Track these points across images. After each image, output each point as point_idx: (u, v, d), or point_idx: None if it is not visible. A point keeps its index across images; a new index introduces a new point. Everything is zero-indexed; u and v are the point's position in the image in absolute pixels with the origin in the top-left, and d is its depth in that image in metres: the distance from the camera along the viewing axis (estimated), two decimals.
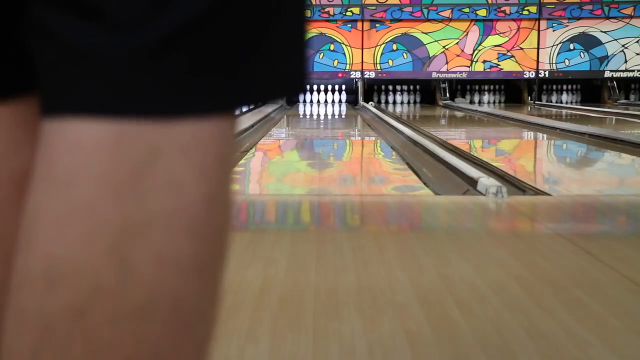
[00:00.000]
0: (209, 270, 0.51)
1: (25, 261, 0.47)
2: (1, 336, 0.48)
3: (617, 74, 13.84)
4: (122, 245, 0.46)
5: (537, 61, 13.81)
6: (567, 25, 13.78)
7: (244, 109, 12.63)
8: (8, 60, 0.54)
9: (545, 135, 7.78)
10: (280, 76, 0.53)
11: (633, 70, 13.83)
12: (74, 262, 0.46)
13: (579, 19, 13.73)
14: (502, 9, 13.69)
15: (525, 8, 13.68)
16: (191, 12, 0.46)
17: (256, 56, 0.50)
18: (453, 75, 13.93)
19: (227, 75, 0.49)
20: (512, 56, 13.84)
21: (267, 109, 11.49)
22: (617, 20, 13.70)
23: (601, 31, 13.75)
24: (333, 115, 12.15)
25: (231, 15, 0.48)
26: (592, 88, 14.28)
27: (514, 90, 14.41)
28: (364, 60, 13.86)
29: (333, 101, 14.29)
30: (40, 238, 0.46)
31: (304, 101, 14.30)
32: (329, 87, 14.39)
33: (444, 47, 13.85)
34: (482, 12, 13.71)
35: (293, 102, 14.15)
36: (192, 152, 0.48)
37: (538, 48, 13.80)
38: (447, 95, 13.92)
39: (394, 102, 14.29)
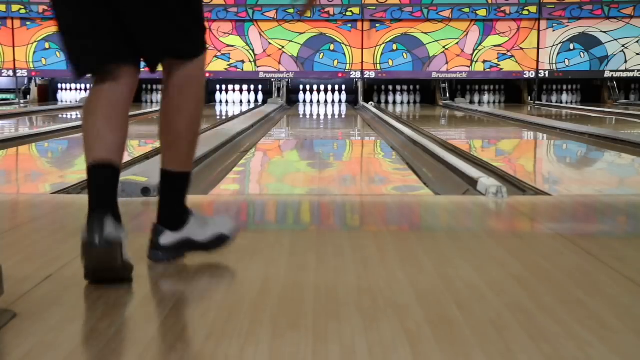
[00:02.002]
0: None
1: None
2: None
3: (617, 74, 13.84)
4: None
5: (537, 61, 13.81)
6: (567, 25, 13.77)
7: (244, 109, 12.59)
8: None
9: (545, 135, 7.78)
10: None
11: (633, 70, 13.83)
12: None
13: (579, 19, 13.73)
14: (502, 9, 13.69)
15: (525, 8, 13.68)
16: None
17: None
18: (453, 75, 13.92)
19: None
20: (512, 56, 13.83)
21: (267, 109, 11.48)
22: (617, 20, 13.70)
23: (601, 31, 13.74)
24: (333, 115, 12.15)
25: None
26: (592, 88, 14.28)
27: (514, 90, 14.41)
28: (364, 60, 13.85)
29: (333, 101, 14.30)
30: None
31: (304, 101, 14.31)
32: (329, 87, 14.40)
33: (444, 47, 13.85)
34: (482, 12, 13.71)
35: (293, 102, 14.16)
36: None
37: (538, 48, 13.79)
38: (447, 95, 13.92)
39: (394, 102, 14.28)
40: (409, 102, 14.31)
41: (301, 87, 14.39)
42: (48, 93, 14.60)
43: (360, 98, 13.89)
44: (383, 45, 13.86)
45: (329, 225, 2.86)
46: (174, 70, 2.03)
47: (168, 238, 2.05)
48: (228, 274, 2.08)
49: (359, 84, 14.05)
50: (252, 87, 14.30)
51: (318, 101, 14.30)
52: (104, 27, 1.93)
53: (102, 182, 1.89)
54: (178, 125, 2.02)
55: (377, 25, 13.83)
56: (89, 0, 1.91)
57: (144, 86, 14.38)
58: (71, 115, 11.10)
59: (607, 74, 13.83)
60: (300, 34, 13.79)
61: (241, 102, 14.24)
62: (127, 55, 1.98)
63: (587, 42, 13.79)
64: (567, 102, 14.19)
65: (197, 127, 2.07)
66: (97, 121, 1.91)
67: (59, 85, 14.59)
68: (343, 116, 11.96)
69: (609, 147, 6.08)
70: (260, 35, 13.67)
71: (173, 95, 2.02)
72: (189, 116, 2.03)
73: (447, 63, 13.86)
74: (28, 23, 13.87)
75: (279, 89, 14.00)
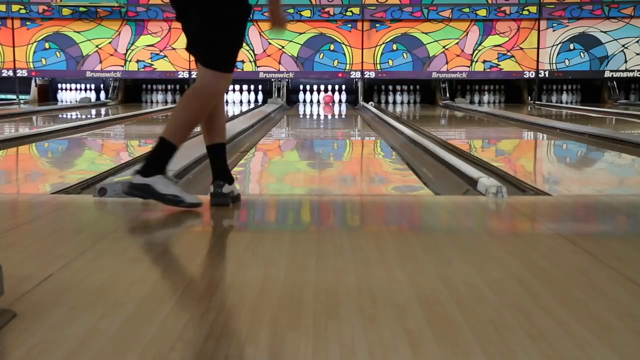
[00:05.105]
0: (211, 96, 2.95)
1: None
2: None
3: (617, 74, 13.84)
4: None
5: (537, 61, 13.81)
6: (567, 25, 13.78)
7: (244, 109, 12.61)
8: None
9: (545, 135, 7.78)
10: None
11: (633, 70, 13.83)
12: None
13: (579, 19, 13.73)
14: (502, 9, 13.69)
15: (525, 8, 13.68)
16: None
17: None
18: (453, 75, 13.93)
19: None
20: (512, 56, 13.84)
21: (267, 109, 11.48)
22: (617, 20, 13.70)
23: (601, 31, 13.75)
24: (333, 115, 12.15)
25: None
26: (592, 88, 14.28)
27: (514, 90, 14.41)
28: (364, 60, 13.86)
29: (333, 101, 14.30)
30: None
31: (304, 101, 14.31)
32: (329, 87, 14.40)
33: (444, 47, 13.85)
34: (482, 12, 13.71)
35: (293, 102, 14.16)
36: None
37: (538, 48, 13.80)
38: (447, 95, 13.92)
39: (394, 102, 14.28)
40: (409, 102, 14.31)
41: (301, 87, 14.40)
42: (48, 93, 14.61)
43: (360, 98, 13.89)
44: (383, 45, 13.86)
45: (329, 225, 2.86)
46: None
47: (227, 188, 2.99)
48: (228, 274, 2.08)
49: (359, 84, 14.05)
50: (252, 87, 14.30)
51: (318, 101, 14.30)
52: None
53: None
54: (223, 110, 3.15)
55: (377, 25, 13.84)
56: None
57: (144, 86, 14.39)
58: (71, 115, 11.10)
59: (607, 74, 13.83)
60: (300, 34, 13.79)
61: (241, 102, 14.24)
62: None
63: (587, 42, 13.79)
64: (567, 102, 14.19)
65: None
66: None
67: (59, 85, 14.59)
68: (343, 116, 11.96)
69: (609, 147, 6.07)
70: (260, 35, 13.67)
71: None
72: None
73: (447, 63, 13.87)
74: (28, 23, 13.87)
75: (279, 89, 14.00)
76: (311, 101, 14.29)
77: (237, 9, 2.89)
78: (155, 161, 2.89)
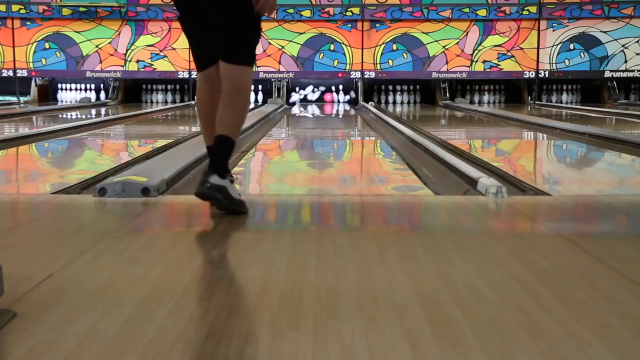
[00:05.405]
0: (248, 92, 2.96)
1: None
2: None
3: (617, 74, 13.84)
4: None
5: (537, 61, 13.81)
6: (567, 25, 13.77)
7: None
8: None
9: (545, 135, 7.77)
10: None
11: (633, 70, 13.83)
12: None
13: (579, 19, 13.73)
14: (502, 9, 13.69)
15: (525, 8, 13.68)
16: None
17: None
18: (453, 75, 13.92)
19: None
20: (512, 56, 13.83)
21: (267, 109, 11.48)
22: (617, 20, 13.70)
23: (601, 31, 13.75)
24: (333, 115, 12.15)
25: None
26: (592, 88, 14.28)
27: (514, 90, 14.41)
28: (364, 60, 13.86)
29: (334, 100, 14.29)
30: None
31: (301, 101, 14.30)
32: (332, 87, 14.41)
33: (444, 47, 13.85)
34: (482, 12, 13.71)
35: (293, 102, 14.16)
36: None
37: (538, 48, 13.80)
38: (447, 95, 13.92)
39: (394, 102, 14.28)
40: (409, 102, 14.31)
41: (297, 87, 14.41)
42: (48, 93, 14.61)
43: (360, 98, 13.89)
44: (383, 45, 13.86)
45: (329, 225, 2.86)
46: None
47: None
48: (228, 274, 2.08)
49: (359, 84, 14.05)
50: (252, 87, 14.30)
51: (321, 98, 14.31)
52: None
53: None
54: None
55: (377, 25, 13.83)
56: None
57: (144, 86, 14.38)
58: (71, 115, 11.10)
59: (607, 74, 13.83)
60: (300, 34, 13.79)
61: None
62: None
63: (587, 42, 13.79)
64: (567, 102, 14.19)
65: None
66: None
67: (59, 85, 14.59)
68: (343, 116, 11.96)
69: (609, 147, 6.07)
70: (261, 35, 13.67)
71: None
72: None
73: (447, 63, 13.87)
74: (28, 23, 13.87)
75: (279, 89, 14.00)
76: (309, 101, 14.31)
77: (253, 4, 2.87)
78: (225, 161, 2.83)
